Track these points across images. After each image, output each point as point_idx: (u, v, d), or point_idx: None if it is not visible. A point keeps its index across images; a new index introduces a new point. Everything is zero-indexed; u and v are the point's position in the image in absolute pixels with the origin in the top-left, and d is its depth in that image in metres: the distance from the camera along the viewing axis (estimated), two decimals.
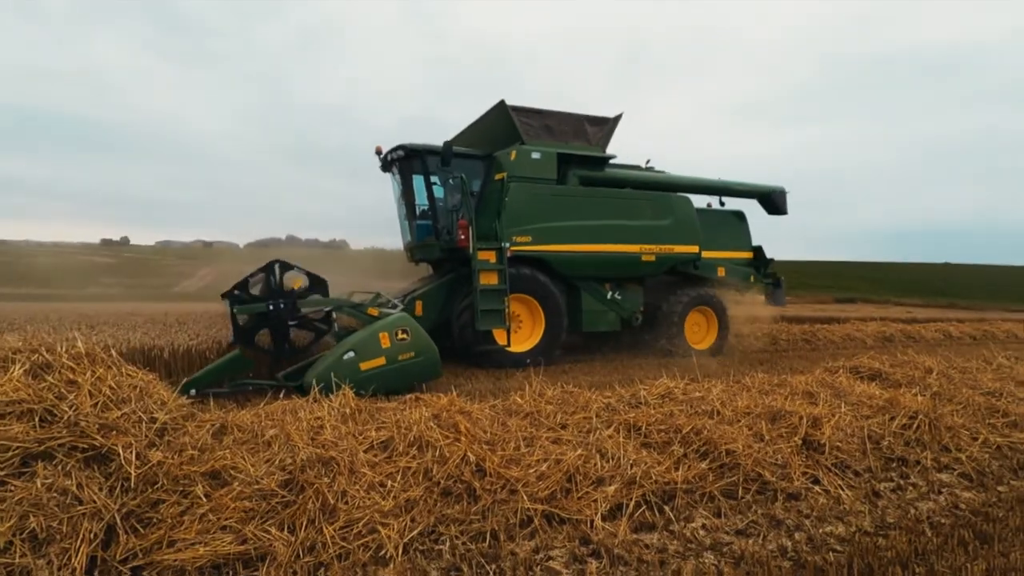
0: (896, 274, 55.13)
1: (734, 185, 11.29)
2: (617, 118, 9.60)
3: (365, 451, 3.56)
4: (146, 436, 3.31)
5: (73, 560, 2.47)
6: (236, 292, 6.35)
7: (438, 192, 8.99)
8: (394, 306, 7.79)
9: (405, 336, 6.19)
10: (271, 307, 6.33)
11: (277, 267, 6.46)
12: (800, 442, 4.17)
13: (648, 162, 10.79)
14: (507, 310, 8.08)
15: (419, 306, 8.38)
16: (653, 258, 9.57)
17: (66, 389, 3.40)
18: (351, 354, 5.84)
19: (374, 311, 6.63)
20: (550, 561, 2.84)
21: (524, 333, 8.81)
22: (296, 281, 6.58)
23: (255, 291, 6.45)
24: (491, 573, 2.74)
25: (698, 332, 10.22)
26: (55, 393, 3.32)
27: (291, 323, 6.57)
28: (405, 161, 8.94)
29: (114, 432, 3.17)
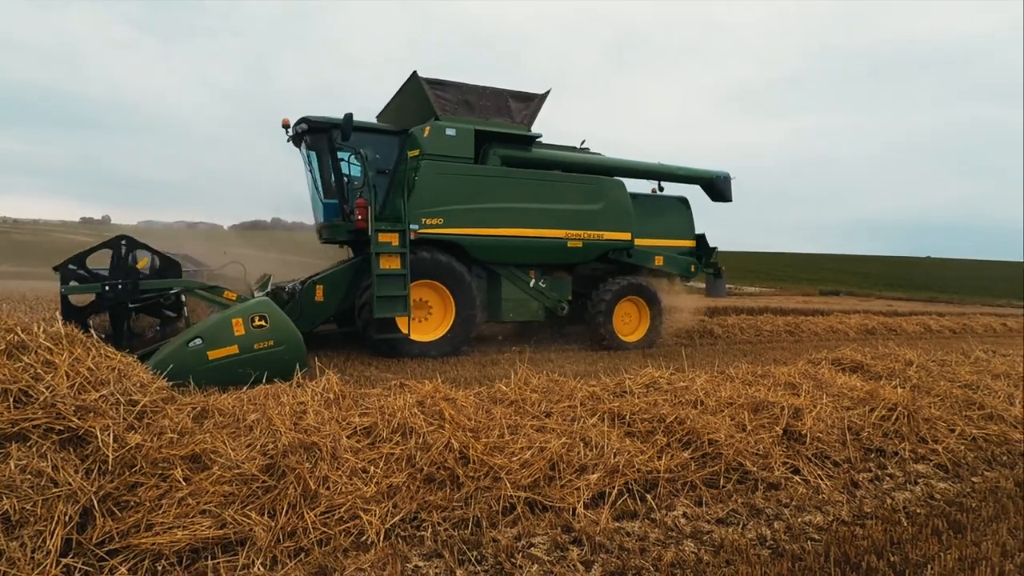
0: (879, 267, 55.84)
1: (674, 170, 10.70)
2: (544, 95, 9.07)
3: (348, 437, 3.54)
4: (124, 418, 3.27)
5: (48, 543, 2.43)
6: (70, 267, 5.62)
7: (348, 170, 8.39)
8: (293, 290, 7.38)
9: (263, 323, 5.70)
10: (107, 288, 5.69)
11: (124, 244, 5.81)
12: (781, 433, 4.21)
13: (583, 143, 10.31)
14: (408, 297, 7.60)
15: (319, 291, 7.81)
16: (580, 244, 9.03)
17: (43, 370, 3.34)
18: (198, 341, 5.36)
19: (231, 295, 6.07)
20: (532, 548, 2.85)
21: (434, 321, 8.25)
22: (141, 260, 6.03)
23: (96, 268, 5.82)
24: (473, 559, 2.74)
25: (629, 323, 9.66)
26: (31, 374, 3.26)
27: (132, 306, 5.91)
28: (310, 135, 8.34)
29: (91, 414, 3.12)
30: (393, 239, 7.69)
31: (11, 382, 3.13)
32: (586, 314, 9.32)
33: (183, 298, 6.15)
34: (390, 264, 7.61)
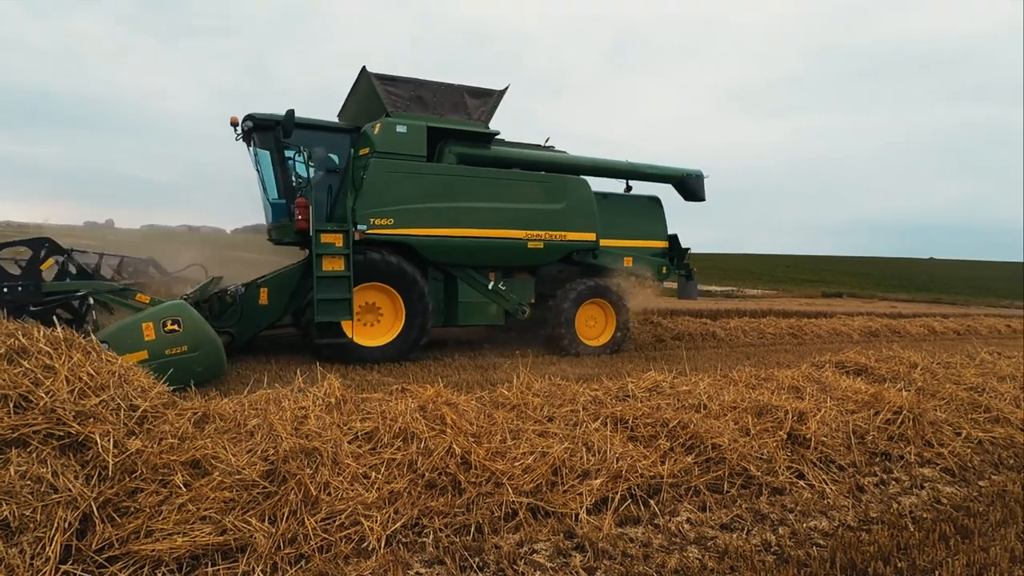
0: (882, 269, 55.68)
1: (643, 168, 10.32)
2: (503, 91, 8.79)
3: (349, 442, 3.52)
4: (125, 424, 3.25)
5: (47, 549, 2.42)
6: None
7: (295, 167, 8.11)
8: (236, 292, 7.19)
9: (176, 328, 5.49)
10: (5, 289, 5.52)
11: (46, 248, 5.67)
12: (785, 437, 4.18)
13: (547, 140, 10.00)
14: (351, 300, 7.32)
15: (264, 294, 7.53)
16: (541, 245, 8.67)
17: (43, 375, 3.33)
18: (103, 346, 5.19)
19: (144, 298, 5.87)
20: (534, 555, 2.82)
21: (384, 326, 7.92)
22: (46, 262, 5.85)
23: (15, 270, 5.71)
24: (475, 566, 2.72)
25: (594, 327, 9.26)
26: (31, 379, 3.25)
27: (33, 308, 5.64)
28: (257, 133, 8.04)
29: (91, 419, 3.10)
30: (337, 240, 7.40)
31: (11, 387, 3.12)
32: (547, 317, 8.97)
33: (90, 300, 5.90)
34: (333, 266, 7.31)
